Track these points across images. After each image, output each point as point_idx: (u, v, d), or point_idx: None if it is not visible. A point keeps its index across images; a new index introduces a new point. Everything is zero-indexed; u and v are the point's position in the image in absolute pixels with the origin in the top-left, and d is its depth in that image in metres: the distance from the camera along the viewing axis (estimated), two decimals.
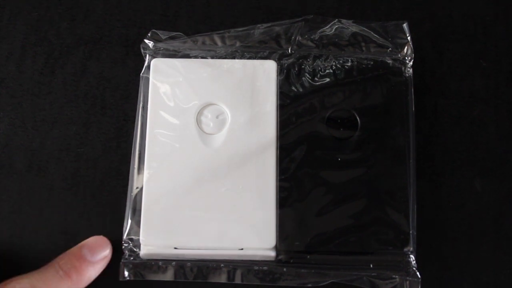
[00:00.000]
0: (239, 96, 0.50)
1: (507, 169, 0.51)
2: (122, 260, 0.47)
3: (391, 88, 0.50)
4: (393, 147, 0.49)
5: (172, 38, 0.52)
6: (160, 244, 0.47)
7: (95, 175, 0.51)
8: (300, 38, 0.51)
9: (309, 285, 0.47)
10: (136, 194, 0.48)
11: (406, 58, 0.51)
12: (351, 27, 0.52)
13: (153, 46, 0.52)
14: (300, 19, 0.52)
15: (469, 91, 0.53)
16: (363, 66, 0.51)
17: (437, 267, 0.49)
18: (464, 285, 0.49)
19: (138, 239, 0.47)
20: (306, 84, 0.50)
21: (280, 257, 0.47)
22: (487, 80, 0.53)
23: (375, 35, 0.51)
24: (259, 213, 0.47)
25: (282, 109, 0.50)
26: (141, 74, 0.51)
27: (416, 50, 0.51)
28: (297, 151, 0.49)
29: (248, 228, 0.47)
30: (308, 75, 0.50)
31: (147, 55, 0.51)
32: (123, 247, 0.48)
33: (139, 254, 0.47)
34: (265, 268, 0.47)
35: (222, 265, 0.47)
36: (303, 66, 0.51)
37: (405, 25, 0.51)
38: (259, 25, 0.52)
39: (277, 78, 0.50)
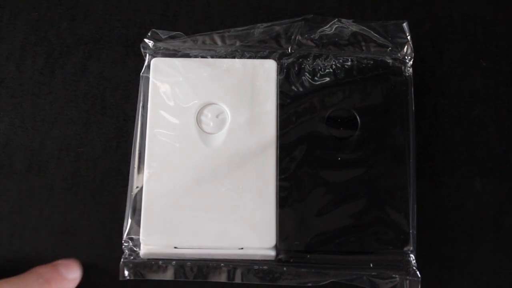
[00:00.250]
0: (239, 96, 0.50)
1: (507, 169, 0.51)
2: (122, 260, 0.47)
3: (391, 87, 0.50)
4: (393, 147, 0.49)
5: (172, 37, 0.52)
6: (160, 244, 0.47)
7: (95, 175, 0.51)
8: (300, 38, 0.51)
9: (309, 284, 0.47)
10: (136, 194, 0.48)
11: (406, 57, 0.51)
12: (351, 26, 0.52)
13: (153, 45, 0.52)
14: (300, 18, 0.52)
15: (469, 91, 0.53)
16: (363, 65, 0.51)
17: (437, 267, 0.49)
18: (464, 285, 0.49)
19: (138, 239, 0.47)
20: (306, 84, 0.50)
21: (280, 256, 0.47)
22: (487, 80, 0.53)
23: (375, 35, 0.51)
24: (259, 212, 0.47)
25: (282, 108, 0.50)
26: (141, 73, 0.51)
27: (416, 50, 0.52)
28: (297, 151, 0.49)
29: (248, 227, 0.47)
30: (308, 75, 0.50)
31: (147, 55, 0.51)
32: (123, 246, 0.48)
33: (139, 253, 0.47)
34: (265, 267, 0.47)
35: (222, 264, 0.47)
36: (303, 66, 0.51)
37: (405, 25, 0.52)
38: (259, 24, 0.52)
39: (277, 78, 0.50)
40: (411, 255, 0.47)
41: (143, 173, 0.48)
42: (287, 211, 0.48)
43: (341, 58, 0.51)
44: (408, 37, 0.51)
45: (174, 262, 0.47)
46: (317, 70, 0.51)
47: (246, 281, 0.47)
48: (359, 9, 0.55)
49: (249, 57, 0.51)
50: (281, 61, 0.51)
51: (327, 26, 0.52)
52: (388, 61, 0.51)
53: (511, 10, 0.55)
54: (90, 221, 0.50)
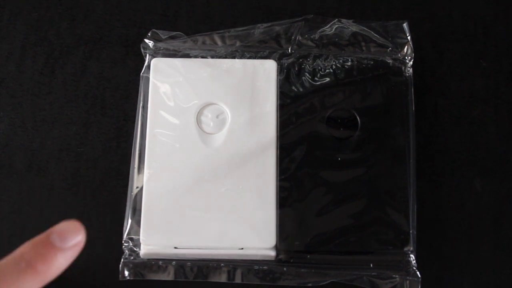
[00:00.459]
0: (239, 96, 0.50)
1: (507, 169, 0.51)
2: (122, 260, 0.47)
3: (391, 88, 0.50)
4: (393, 147, 0.49)
5: (172, 38, 0.52)
6: (160, 244, 0.47)
7: (95, 175, 0.51)
8: (300, 38, 0.51)
9: (309, 284, 0.47)
10: (136, 194, 0.48)
11: (406, 58, 0.51)
12: (351, 26, 0.52)
13: (153, 45, 0.52)
14: (300, 19, 0.52)
15: (469, 91, 0.53)
16: (363, 66, 0.51)
17: (437, 267, 0.49)
18: (464, 285, 0.49)
19: (138, 239, 0.47)
20: (306, 84, 0.50)
21: (280, 256, 0.47)
22: (487, 80, 0.53)
23: (375, 35, 0.51)
24: (259, 213, 0.47)
25: (282, 109, 0.50)
26: (141, 74, 0.51)
27: (416, 50, 0.52)
28: (297, 151, 0.49)
29: (248, 227, 0.47)
30: (308, 75, 0.50)
31: (147, 55, 0.51)
32: (123, 246, 0.48)
33: (139, 253, 0.47)
34: (265, 267, 0.47)
35: (222, 264, 0.47)
36: (303, 66, 0.51)
37: (405, 25, 0.52)
38: (259, 25, 0.52)
39: (277, 78, 0.50)
40: (411, 255, 0.47)
41: (143, 173, 0.48)
42: (287, 211, 0.48)
43: (341, 58, 0.51)
44: (408, 37, 0.51)
45: (174, 262, 0.47)
46: (317, 70, 0.51)
47: (246, 281, 0.47)
48: (359, 9, 0.55)
49: (249, 57, 0.51)
50: (281, 61, 0.51)
51: (327, 26, 0.52)
52: (388, 61, 0.51)
53: (511, 10, 0.55)
54: (90, 221, 0.50)
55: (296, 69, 0.51)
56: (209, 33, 0.52)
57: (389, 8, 0.55)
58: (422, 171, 0.51)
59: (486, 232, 0.50)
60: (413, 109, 0.50)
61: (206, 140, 0.49)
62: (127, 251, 0.47)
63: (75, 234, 0.39)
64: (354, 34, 0.52)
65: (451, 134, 0.52)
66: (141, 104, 0.50)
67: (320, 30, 0.52)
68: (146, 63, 0.51)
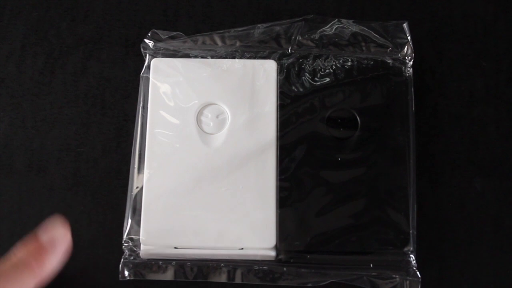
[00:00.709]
0: (239, 96, 0.50)
1: (507, 169, 0.51)
2: (122, 260, 0.47)
3: (391, 88, 0.50)
4: (393, 147, 0.49)
5: (172, 38, 0.52)
6: (160, 244, 0.47)
7: (95, 175, 0.51)
8: (300, 38, 0.51)
9: (309, 284, 0.47)
10: (136, 194, 0.48)
11: (406, 58, 0.51)
12: (351, 27, 0.52)
13: (153, 46, 0.52)
14: (300, 19, 0.52)
15: (469, 91, 0.53)
16: (363, 66, 0.51)
17: (437, 267, 0.49)
18: (464, 285, 0.49)
19: (138, 239, 0.47)
20: (306, 84, 0.50)
21: (280, 256, 0.47)
22: (487, 80, 0.53)
23: (375, 35, 0.51)
24: (259, 213, 0.47)
25: (282, 109, 0.50)
26: (141, 74, 0.51)
27: (416, 50, 0.52)
28: (297, 151, 0.49)
29: (248, 227, 0.47)
30: (308, 75, 0.50)
31: (147, 55, 0.51)
32: (123, 246, 0.48)
33: (139, 253, 0.47)
34: (265, 267, 0.47)
35: (222, 264, 0.47)
36: (303, 66, 0.51)
37: (405, 25, 0.52)
38: (259, 25, 0.52)
39: (277, 78, 0.50)
40: (411, 255, 0.47)
41: (143, 173, 0.48)
42: (287, 211, 0.48)
43: (341, 58, 0.51)
44: (408, 38, 0.51)
45: (174, 262, 0.47)
46: (317, 70, 0.51)
47: (246, 281, 0.47)
48: (359, 9, 0.55)
49: (249, 58, 0.51)
50: (281, 61, 0.51)
51: (327, 27, 0.52)
52: (388, 61, 0.51)
53: (511, 10, 0.55)
54: (90, 221, 0.50)
55: (296, 69, 0.51)
56: (209, 33, 0.52)
57: (389, 8, 0.55)
58: (422, 171, 0.51)
59: (486, 232, 0.50)
60: (413, 109, 0.50)
61: (206, 140, 0.49)
62: (127, 251, 0.47)
63: (61, 234, 0.42)
64: (354, 34, 0.52)
65: (451, 134, 0.52)
66: (141, 104, 0.50)
67: (320, 30, 0.52)
68: (146, 63, 0.51)
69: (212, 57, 0.51)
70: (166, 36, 0.52)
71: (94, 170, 0.51)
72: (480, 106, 0.53)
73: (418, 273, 0.47)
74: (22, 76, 0.53)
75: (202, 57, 0.51)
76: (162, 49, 0.52)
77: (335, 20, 0.52)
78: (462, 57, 0.54)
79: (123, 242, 0.48)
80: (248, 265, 0.47)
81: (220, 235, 0.47)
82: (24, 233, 0.49)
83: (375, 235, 0.47)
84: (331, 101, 0.50)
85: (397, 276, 0.47)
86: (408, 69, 0.51)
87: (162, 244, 0.47)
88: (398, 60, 0.51)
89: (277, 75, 0.50)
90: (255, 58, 0.51)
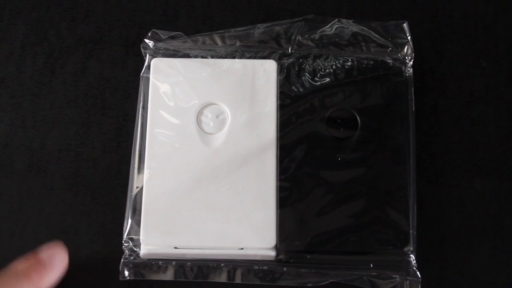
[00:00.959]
0: (239, 96, 0.50)
1: (507, 169, 0.51)
2: (122, 260, 0.47)
3: (391, 88, 0.50)
4: (393, 147, 0.49)
5: (172, 38, 0.52)
6: (160, 244, 0.47)
7: (95, 175, 0.51)
8: (300, 38, 0.51)
9: (309, 284, 0.47)
10: (136, 194, 0.48)
11: (406, 58, 0.51)
12: (351, 27, 0.52)
13: (153, 45, 0.52)
14: (300, 19, 0.52)
15: (469, 91, 0.53)
16: (363, 66, 0.51)
17: (437, 267, 0.49)
18: (464, 285, 0.49)
19: (138, 239, 0.47)
20: (306, 84, 0.50)
21: (280, 256, 0.47)
22: (487, 80, 0.53)
23: (375, 35, 0.51)
24: (259, 213, 0.47)
25: (282, 109, 0.50)
26: (141, 74, 0.51)
27: (416, 50, 0.52)
28: (297, 151, 0.49)
29: (248, 227, 0.47)
30: (308, 75, 0.50)
31: (147, 55, 0.51)
32: (123, 246, 0.48)
33: (139, 253, 0.47)
34: (265, 267, 0.47)
35: (222, 264, 0.47)
36: (303, 66, 0.51)
37: (405, 25, 0.52)
38: (259, 25, 0.52)
39: (277, 78, 0.50)
40: (411, 255, 0.47)
41: (143, 173, 0.48)
42: (287, 211, 0.48)
43: (341, 58, 0.51)
44: (408, 38, 0.51)
45: (174, 262, 0.47)
46: (317, 70, 0.51)
47: (246, 281, 0.47)
48: (359, 9, 0.55)
49: (249, 57, 0.51)
50: (281, 61, 0.51)
51: (327, 27, 0.52)
52: (388, 61, 0.51)
53: (511, 10, 0.55)
54: (90, 221, 0.50)
55: (296, 69, 0.51)
56: (209, 33, 0.52)
57: (389, 8, 0.55)
58: (422, 171, 0.51)
59: (486, 232, 0.50)
60: (413, 109, 0.50)
61: (206, 140, 0.49)
62: (127, 251, 0.47)
63: (59, 253, 0.45)
64: (354, 34, 0.52)
65: (451, 134, 0.52)
66: (141, 104, 0.50)
67: (320, 30, 0.52)
68: (146, 63, 0.51)
69: (212, 57, 0.51)
70: (166, 36, 0.52)
71: (94, 170, 0.51)
72: (480, 106, 0.53)
73: (418, 273, 0.47)
74: (22, 76, 0.53)
75: (202, 57, 0.51)
76: (162, 49, 0.52)
77: (335, 20, 0.52)
78: (462, 57, 0.54)
79: (123, 242, 0.48)
80: (248, 265, 0.47)
81: (220, 235, 0.47)
82: (24, 233, 0.49)
83: (375, 235, 0.47)
84: (331, 101, 0.50)
85: (397, 276, 0.47)
86: (408, 69, 0.51)
87: (162, 244, 0.47)
88: (398, 60, 0.51)
89: (277, 75, 0.50)
90: (255, 58, 0.51)
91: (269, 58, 0.51)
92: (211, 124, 0.49)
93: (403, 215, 0.48)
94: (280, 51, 0.51)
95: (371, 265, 0.47)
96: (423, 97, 0.52)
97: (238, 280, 0.47)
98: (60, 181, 0.51)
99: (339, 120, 0.50)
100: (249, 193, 0.48)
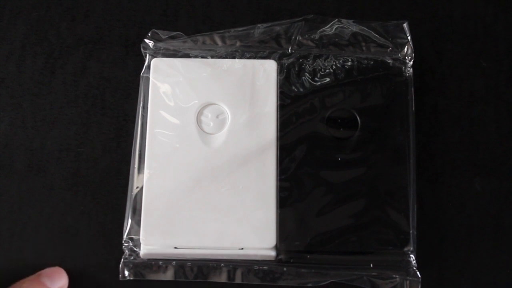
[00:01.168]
0: (239, 96, 0.50)
1: (507, 169, 0.51)
2: (122, 260, 0.47)
3: (391, 88, 0.50)
4: (393, 147, 0.49)
5: (172, 38, 0.52)
6: (160, 244, 0.47)
7: (95, 175, 0.51)
8: (300, 38, 0.51)
9: (309, 284, 0.47)
10: (136, 194, 0.48)
11: (406, 58, 0.51)
12: (351, 27, 0.52)
13: (153, 45, 0.52)
14: (300, 19, 0.52)
15: (469, 91, 0.53)
16: (363, 66, 0.51)
17: (437, 267, 0.49)
18: (464, 285, 0.49)
19: (138, 239, 0.47)
20: (306, 84, 0.50)
21: (280, 256, 0.47)
22: (487, 80, 0.53)
23: (375, 35, 0.51)
24: (259, 213, 0.47)
25: (282, 109, 0.50)
26: (141, 74, 0.51)
27: (416, 50, 0.52)
28: (297, 151, 0.49)
29: (248, 227, 0.47)
30: (308, 75, 0.50)
31: (147, 55, 0.51)
32: (123, 246, 0.48)
33: (139, 253, 0.47)
34: (265, 267, 0.47)
35: (222, 264, 0.47)
36: (303, 66, 0.51)
37: (405, 25, 0.52)
38: (259, 25, 0.52)
39: (277, 78, 0.50)
40: (411, 255, 0.47)
41: (143, 173, 0.48)
42: (287, 211, 0.48)
43: (342, 58, 0.51)
44: (409, 38, 0.51)
45: (174, 262, 0.47)
46: (317, 70, 0.51)
47: (246, 281, 0.47)
48: (359, 9, 0.55)
49: (249, 57, 0.51)
50: (282, 61, 0.51)
51: (327, 27, 0.52)
52: (388, 61, 0.51)
53: (511, 10, 0.55)
54: (90, 221, 0.50)
55: (296, 69, 0.51)
56: (209, 33, 0.52)
57: (389, 8, 0.55)
58: (422, 171, 0.51)
59: (486, 232, 0.50)
60: (413, 109, 0.50)
61: (206, 140, 0.49)
62: (127, 251, 0.47)
63: (60, 278, 0.47)
64: (354, 34, 0.52)
65: (451, 134, 0.52)
66: (141, 104, 0.50)
67: (320, 30, 0.52)
68: (146, 63, 0.51)
69: (212, 57, 0.51)
70: (166, 36, 0.52)
71: (94, 170, 0.51)
72: (480, 106, 0.53)
73: (418, 273, 0.47)
74: (22, 76, 0.53)
75: (202, 57, 0.51)
76: (162, 49, 0.52)
77: (335, 20, 0.52)
78: (462, 57, 0.54)
79: (123, 242, 0.48)
80: (248, 265, 0.47)
81: (220, 235, 0.47)
82: (24, 233, 0.49)
83: (375, 235, 0.47)
84: (331, 101, 0.50)
85: (397, 276, 0.47)
86: (408, 69, 0.51)
87: (162, 244, 0.47)
88: (398, 60, 0.51)
89: (277, 75, 0.50)
90: (255, 58, 0.51)
91: (269, 58, 0.51)
92: (211, 124, 0.49)
93: (403, 215, 0.48)
94: (280, 51, 0.51)
95: (371, 265, 0.47)
96: (423, 97, 0.52)
97: (238, 280, 0.47)
98: (60, 181, 0.51)
99: (339, 120, 0.50)
100: (249, 193, 0.48)
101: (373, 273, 0.47)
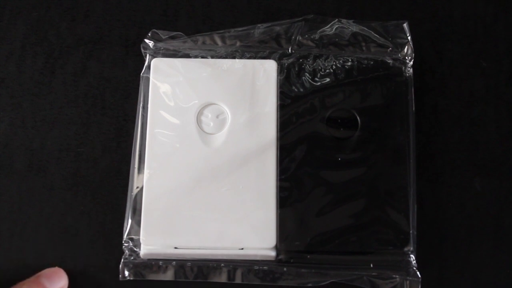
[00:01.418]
0: (239, 96, 0.50)
1: (507, 169, 0.51)
2: (122, 260, 0.47)
3: (391, 88, 0.50)
4: (393, 147, 0.49)
5: (172, 38, 0.52)
6: (160, 244, 0.47)
7: (95, 175, 0.51)
8: (300, 38, 0.51)
9: (309, 284, 0.47)
10: (136, 194, 0.48)
11: (406, 58, 0.51)
12: (351, 27, 0.52)
13: (153, 46, 0.52)
14: (300, 19, 0.52)
15: (469, 91, 0.53)
16: (363, 66, 0.51)
17: (437, 267, 0.49)
18: (464, 285, 0.49)
19: (139, 239, 0.47)
20: (307, 84, 0.50)
21: (280, 257, 0.47)
22: (487, 80, 0.53)
23: (375, 35, 0.51)
24: (259, 213, 0.47)
25: (282, 109, 0.50)
26: (141, 74, 0.51)
27: (416, 50, 0.52)
28: (297, 151, 0.49)
29: (248, 228, 0.47)
30: (308, 75, 0.50)
31: (147, 55, 0.51)
32: (123, 246, 0.48)
33: (139, 253, 0.47)
34: (265, 267, 0.47)
35: (222, 264, 0.47)
36: (303, 66, 0.51)
37: (405, 25, 0.52)
38: (259, 25, 0.52)
39: (277, 78, 0.50)
40: (411, 255, 0.47)
41: (143, 173, 0.48)
42: (287, 211, 0.48)
43: (342, 58, 0.51)
44: (408, 38, 0.51)
45: (174, 263, 0.47)
46: (317, 70, 0.51)
47: (246, 282, 0.47)
48: (359, 9, 0.55)
49: (249, 58, 0.51)
50: (282, 61, 0.51)
51: (327, 27, 0.52)
52: (389, 61, 0.51)
53: (511, 10, 0.55)
54: (90, 221, 0.50)
55: (296, 69, 0.51)
56: (209, 33, 0.52)
57: (389, 8, 0.55)
58: (422, 171, 0.51)
59: (486, 232, 0.50)
60: (413, 109, 0.50)
61: (206, 140, 0.49)
62: (127, 251, 0.47)
63: (60, 279, 0.47)
64: (354, 34, 0.52)
65: (451, 134, 0.52)
66: (141, 104, 0.50)
67: (320, 30, 0.52)
68: (146, 63, 0.51)
69: (212, 57, 0.51)
70: (166, 36, 0.52)
71: (94, 170, 0.51)
72: (480, 106, 0.53)
73: (418, 273, 0.47)
74: (22, 76, 0.53)
75: (202, 57, 0.51)
76: (162, 49, 0.52)
77: (335, 20, 0.52)
78: (462, 57, 0.54)
79: (123, 242, 0.48)
80: (248, 265, 0.47)
81: (220, 235, 0.47)
82: (24, 233, 0.49)
83: (375, 235, 0.47)
84: (331, 101, 0.50)
85: (397, 276, 0.47)
86: (408, 69, 0.51)
87: (162, 244, 0.47)
88: (398, 60, 0.51)
89: (277, 75, 0.50)
90: (255, 58, 0.51)
91: (269, 58, 0.51)
92: (211, 124, 0.49)
93: (403, 215, 0.48)
94: (280, 51, 0.51)
95: (371, 265, 0.47)
96: (423, 97, 0.52)
97: (238, 280, 0.47)
98: (60, 181, 0.51)
99: (339, 120, 0.50)
100: (249, 193, 0.48)
101: (373, 273, 0.47)
